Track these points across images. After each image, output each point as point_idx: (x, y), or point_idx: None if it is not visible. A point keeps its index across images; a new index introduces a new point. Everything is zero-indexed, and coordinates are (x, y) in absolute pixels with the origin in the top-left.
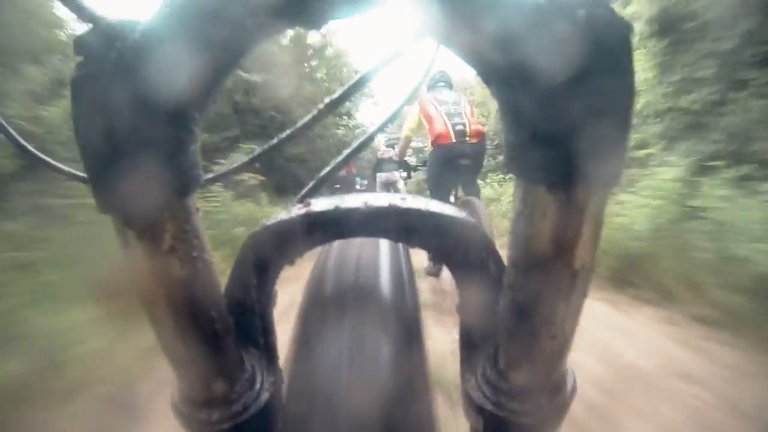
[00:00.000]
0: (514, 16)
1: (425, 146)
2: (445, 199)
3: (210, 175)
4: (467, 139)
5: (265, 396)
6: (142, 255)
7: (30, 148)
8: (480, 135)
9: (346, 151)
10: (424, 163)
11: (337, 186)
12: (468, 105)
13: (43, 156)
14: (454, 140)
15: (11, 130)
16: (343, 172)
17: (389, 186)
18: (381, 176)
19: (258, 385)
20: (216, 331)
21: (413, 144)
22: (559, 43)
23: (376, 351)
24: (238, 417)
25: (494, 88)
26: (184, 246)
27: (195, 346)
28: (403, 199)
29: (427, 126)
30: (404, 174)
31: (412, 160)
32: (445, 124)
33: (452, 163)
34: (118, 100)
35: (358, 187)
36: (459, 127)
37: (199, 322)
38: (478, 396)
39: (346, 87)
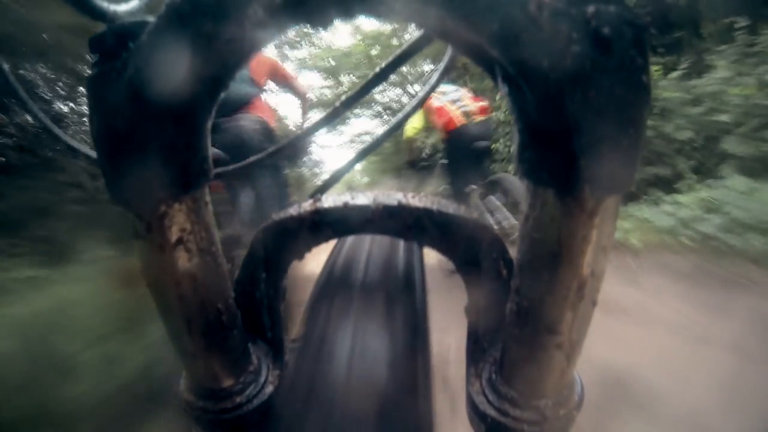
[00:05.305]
0: (522, 15)
1: None
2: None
3: (221, 170)
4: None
5: (269, 389)
6: (151, 246)
7: (53, 127)
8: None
9: (360, 150)
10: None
11: None
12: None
13: (65, 136)
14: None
15: (36, 109)
16: None
17: None
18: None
19: (263, 378)
20: (222, 323)
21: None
22: (567, 42)
23: (379, 346)
24: (242, 408)
25: (505, 89)
26: (192, 238)
27: (201, 337)
28: (414, 197)
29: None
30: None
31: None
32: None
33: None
34: (130, 96)
35: None
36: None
37: (205, 314)
38: (482, 401)
39: (362, 84)
